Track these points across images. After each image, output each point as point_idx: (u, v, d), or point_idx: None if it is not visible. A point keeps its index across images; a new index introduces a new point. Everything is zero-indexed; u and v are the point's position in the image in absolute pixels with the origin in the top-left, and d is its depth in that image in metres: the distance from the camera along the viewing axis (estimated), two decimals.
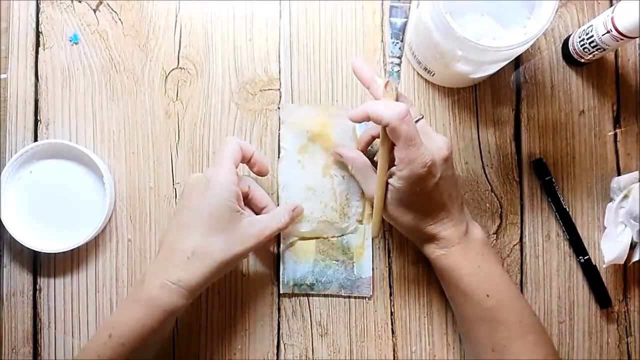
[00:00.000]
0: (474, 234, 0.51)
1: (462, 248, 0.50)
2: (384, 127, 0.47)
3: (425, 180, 0.47)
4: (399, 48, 0.47)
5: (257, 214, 0.54)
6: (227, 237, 0.48)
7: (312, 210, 0.56)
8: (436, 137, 0.49)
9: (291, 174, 0.57)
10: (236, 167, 0.51)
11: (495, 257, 0.52)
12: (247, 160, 0.53)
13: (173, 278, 0.47)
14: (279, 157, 0.58)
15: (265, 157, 0.56)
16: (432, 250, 0.51)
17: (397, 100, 0.48)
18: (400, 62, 0.48)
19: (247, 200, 0.54)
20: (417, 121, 0.48)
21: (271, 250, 0.57)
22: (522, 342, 0.48)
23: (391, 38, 0.47)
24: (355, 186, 0.57)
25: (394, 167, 0.48)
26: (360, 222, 0.57)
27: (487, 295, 0.49)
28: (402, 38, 0.47)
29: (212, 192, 0.48)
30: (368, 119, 0.48)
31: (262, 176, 0.55)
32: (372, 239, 0.57)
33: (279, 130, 0.58)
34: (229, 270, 0.51)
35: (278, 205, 0.56)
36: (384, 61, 0.59)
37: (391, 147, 0.48)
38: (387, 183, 0.50)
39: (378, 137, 0.53)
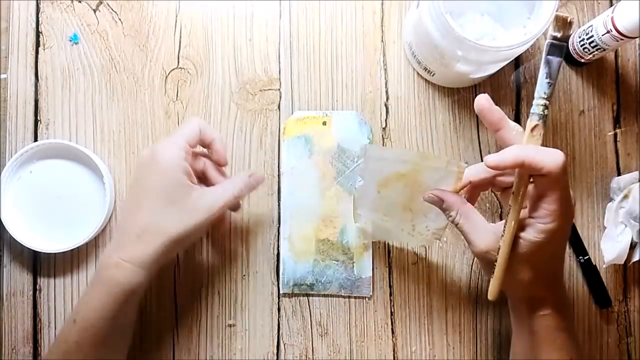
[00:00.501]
0: (567, 298, 0.47)
1: (558, 312, 0.45)
2: (523, 174, 0.42)
3: (564, 236, 0.43)
4: (552, 88, 0.42)
5: None
6: (178, 211, 0.47)
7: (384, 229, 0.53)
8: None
9: (367, 200, 0.51)
10: (192, 147, 0.50)
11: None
12: (206, 145, 0.52)
13: (125, 256, 0.47)
14: (279, 157, 0.58)
15: (224, 147, 0.52)
16: (542, 318, 0.45)
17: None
18: (549, 105, 0.42)
19: (203, 179, 0.53)
20: None
21: (227, 226, 0.56)
22: None
23: (545, 77, 0.42)
24: (436, 224, 0.50)
25: (534, 219, 0.42)
26: (439, 238, 0.52)
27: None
28: (557, 78, 0.42)
29: (158, 168, 0.47)
30: (517, 167, 0.41)
31: (220, 166, 0.53)
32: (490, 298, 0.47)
33: (279, 141, 0.58)
34: (187, 246, 0.50)
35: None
36: (384, 61, 0.59)
37: (524, 196, 0.42)
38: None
39: (482, 187, 0.48)
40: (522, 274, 0.43)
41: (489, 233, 0.44)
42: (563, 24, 0.42)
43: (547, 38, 0.42)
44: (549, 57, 0.42)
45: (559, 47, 0.42)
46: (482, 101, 0.44)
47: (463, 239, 0.46)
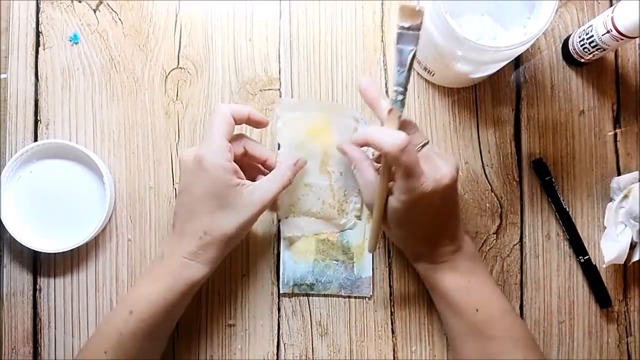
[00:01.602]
0: (465, 249, 0.51)
1: (451, 264, 0.50)
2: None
3: (424, 207, 0.47)
4: (405, 77, 0.45)
5: (258, 171, 0.55)
6: (233, 211, 0.49)
7: (310, 206, 0.56)
8: (440, 164, 0.48)
9: (289, 196, 0.56)
10: (229, 136, 0.50)
11: (485, 271, 0.52)
12: (243, 121, 0.52)
13: (190, 255, 0.49)
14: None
15: (258, 113, 0.53)
16: (422, 266, 0.52)
17: (401, 128, 0.47)
18: (405, 91, 0.46)
19: (247, 158, 0.53)
20: (422, 146, 0.48)
21: (272, 221, 0.57)
22: (511, 358, 0.48)
23: (397, 66, 0.45)
24: (354, 182, 0.56)
25: (395, 189, 0.47)
26: (359, 217, 0.57)
27: (477, 310, 0.49)
28: (409, 67, 0.45)
29: (208, 175, 0.48)
30: (366, 145, 0.49)
31: (262, 126, 0.54)
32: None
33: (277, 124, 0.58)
34: (244, 236, 0.53)
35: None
36: (384, 61, 0.59)
37: (389, 169, 0.47)
38: (386, 199, 0.49)
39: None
40: (396, 231, 0.50)
41: (373, 191, 0.49)
42: (411, 14, 0.43)
43: (397, 29, 0.44)
44: (399, 46, 0.44)
45: (409, 37, 0.44)
46: (363, 81, 0.49)
47: None
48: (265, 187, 0.50)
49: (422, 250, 0.51)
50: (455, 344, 0.52)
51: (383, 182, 0.48)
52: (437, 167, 0.47)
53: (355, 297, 0.58)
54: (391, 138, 0.44)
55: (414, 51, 0.44)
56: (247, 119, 0.52)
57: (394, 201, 0.48)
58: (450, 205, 0.49)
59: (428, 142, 0.49)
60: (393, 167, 0.46)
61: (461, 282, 0.50)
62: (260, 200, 0.50)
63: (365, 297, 0.57)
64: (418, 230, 0.49)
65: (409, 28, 0.44)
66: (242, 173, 0.51)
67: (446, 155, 0.50)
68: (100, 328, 0.50)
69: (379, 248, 0.58)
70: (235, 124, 0.51)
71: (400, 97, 0.46)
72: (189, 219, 0.50)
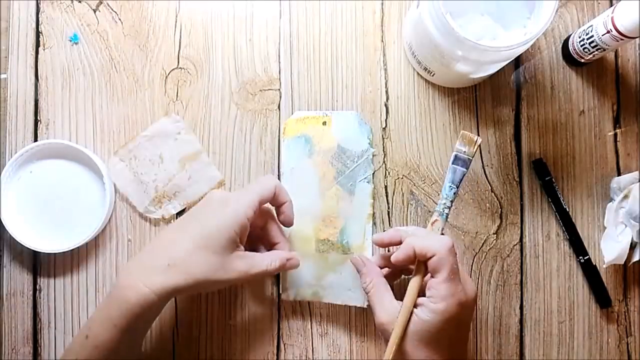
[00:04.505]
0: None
1: None
2: (422, 260, 0.47)
3: (455, 318, 0.46)
4: (454, 193, 0.50)
5: (269, 249, 0.54)
6: (213, 261, 0.47)
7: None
8: (466, 276, 0.49)
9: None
10: (261, 204, 0.50)
11: None
12: (277, 205, 0.53)
13: (147, 282, 0.46)
14: (279, 157, 0.58)
15: (292, 211, 0.53)
16: None
17: None
18: (452, 206, 0.50)
19: (263, 231, 0.54)
20: None
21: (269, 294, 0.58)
22: None
23: (449, 182, 0.50)
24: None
25: (426, 299, 0.46)
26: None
27: None
28: (459, 185, 0.50)
29: (223, 215, 0.48)
30: (413, 258, 0.47)
31: (286, 226, 0.54)
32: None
33: (279, 141, 0.58)
34: (210, 291, 0.53)
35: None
36: (384, 61, 0.59)
37: (422, 278, 0.47)
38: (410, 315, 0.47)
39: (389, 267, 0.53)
40: (416, 351, 0.46)
41: (390, 309, 0.48)
42: (469, 141, 0.50)
43: (454, 150, 0.50)
44: (454, 165, 0.50)
45: (464, 160, 0.50)
46: (376, 238, 0.52)
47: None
48: (252, 261, 0.49)
49: None
50: None
51: (412, 294, 0.47)
52: (465, 278, 0.48)
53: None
54: (438, 240, 0.46)
55: (465, 173, 0.50)
56: (282, 205, 0.52)
57: (424, 314, 0.46)
58: (468, 322, 0.49)
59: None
60: (428, 275, 0.47)
61: None
62: (240, 271, 0.48)
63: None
64: (439, 345, 0.46)
65: (464, 152, 0.50)
66: (244, 240, 0.50)
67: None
68: (66, 350, 0.48)
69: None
70: (272, 202, 0.52)
71: (447, 211, 0.49)
72: (168, 244, 0.48)
